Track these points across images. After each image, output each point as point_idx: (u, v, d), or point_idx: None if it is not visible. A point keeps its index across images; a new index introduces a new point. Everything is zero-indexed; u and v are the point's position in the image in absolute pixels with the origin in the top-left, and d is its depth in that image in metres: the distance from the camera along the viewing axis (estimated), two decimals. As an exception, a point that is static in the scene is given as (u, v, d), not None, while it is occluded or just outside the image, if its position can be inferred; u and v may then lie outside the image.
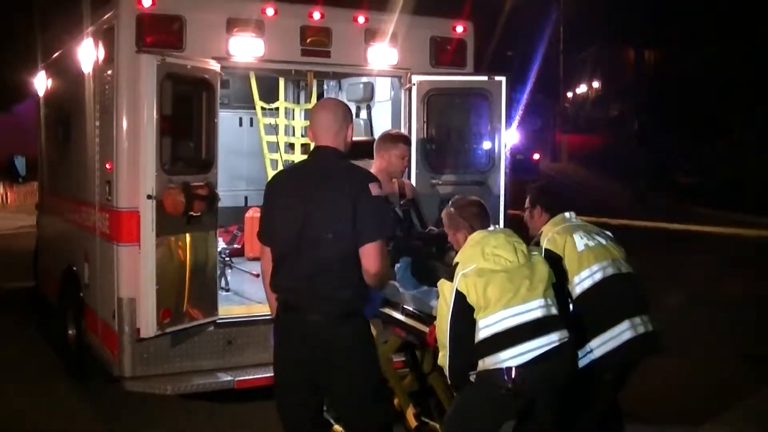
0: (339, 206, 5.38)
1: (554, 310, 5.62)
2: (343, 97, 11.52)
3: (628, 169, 39.84)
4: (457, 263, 5.72)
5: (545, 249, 6.14)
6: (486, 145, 9.28)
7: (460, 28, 9.44)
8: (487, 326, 5.50)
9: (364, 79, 10.66)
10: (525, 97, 39.66)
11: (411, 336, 6.84)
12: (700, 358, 10.85)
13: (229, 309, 8.60)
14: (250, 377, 8.08)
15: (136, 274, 7.78)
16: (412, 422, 7.18)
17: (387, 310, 6.96)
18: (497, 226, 6.12)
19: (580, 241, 6.12)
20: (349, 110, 5.87)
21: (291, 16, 8.61)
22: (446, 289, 5.69)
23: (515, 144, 44.97)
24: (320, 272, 5.40)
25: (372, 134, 10.84)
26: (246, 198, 12.41)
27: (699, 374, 10.21)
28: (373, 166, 7.96)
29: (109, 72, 8.29)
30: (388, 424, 5.80)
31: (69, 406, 9.12)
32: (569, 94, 64.18)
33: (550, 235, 6.24)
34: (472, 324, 5.56)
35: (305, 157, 6.59)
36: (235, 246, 11.11)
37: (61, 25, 11.23)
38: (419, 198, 8.19)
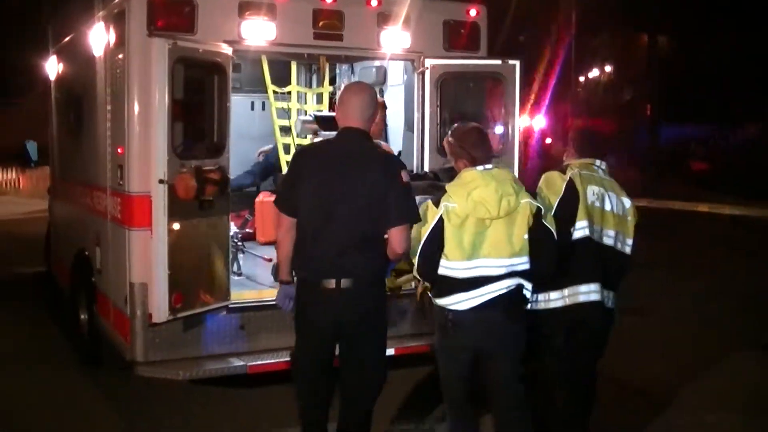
0: (374, 189, 5.87)
1: (515, 267, 6.00)
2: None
3: (639, 155, 39.68)
4: (446, 192, 6.08)
5: (570, 178, 6.37)
6: (499, 129, 9.22)
7: (473, 12, 9.36)
8: (445, 267, 6.00)
9: (377, 63, 10.61)
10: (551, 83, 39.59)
11: None
12: (714, 347, 10.82)
13: (241, 294, 8.54)
14: (263, 362, 8.06)
15: (148, 258, 7.75)
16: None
17: None
18: (495, 166, 6.18)
19: (590, 196, 6.37)
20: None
21: (303, -1, 8.57)
22: (430, 213, 6.06)
23: (542, 128, 44.84)
24: (352, 245, 5.89)
25: (384, 118, 10.78)
26: None
27: (712, 363, 10.17)
28: None
29: (120, 56, 8.23)
30: (383, 379, 6.36)
31: (81, 391, 9.15)
32: (581, 79, 63.88)
33: (576, 171, 6.44)
34: (442, 242, 6.01)
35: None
36: (247, 230, 11.06)
37: (72, 9, 11.17)
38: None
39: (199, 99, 8.17)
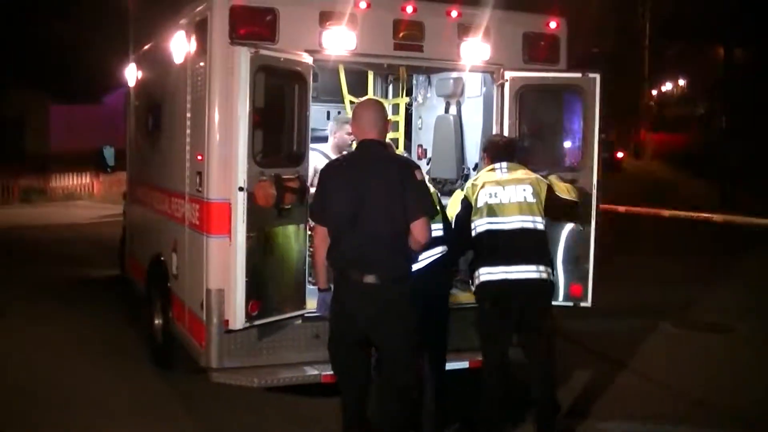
0: (391, 189, 6.41)
1: (435, 233, 7.23)
2: (432, 93, 11.45)
3: (714, 168, 39.10)
4: None
5: (464, 196, 7.82)
6: (578, 142, 9.09)
7: (553, 24, 9.26)
8: None
9: (454, 75, 10.53)
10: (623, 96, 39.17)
11: None
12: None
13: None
14: (337, 372, 8.04)
15: (226, 265, 7.78)
16: None
17: None
18: None
19: (483, 197, 7.69)
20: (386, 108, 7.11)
21: (384, 9, 8.52)
22: None
23: (613, 141, 44.47)
24: (375, 244, 6.39)
25: (461, 130, 10.73)
26: None
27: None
28: (329, 143, 9.76)
29: (202, 64, 8.30)
30: (414, 374, 6.80)
31: (154, 394, 9.27)
32: (654, 92, 63.30)
33: (470, 183, 7.91)
34: None
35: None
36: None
37: (153, 17, 11.31)
38: None
39: (279, 107, 8.16)
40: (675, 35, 52.18)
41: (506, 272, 7.52)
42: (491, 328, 7.72)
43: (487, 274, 7.58)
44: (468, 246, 7.91)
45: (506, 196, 7.67)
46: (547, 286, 7.72)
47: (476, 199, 7.71)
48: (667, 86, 66.30)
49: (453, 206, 7.94)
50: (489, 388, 7.67)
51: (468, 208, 7.77)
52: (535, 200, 7.67)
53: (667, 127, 56.67)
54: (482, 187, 7.74)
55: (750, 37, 43.26)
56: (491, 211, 7.65)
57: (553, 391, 7.85)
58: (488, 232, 7.65)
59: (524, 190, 7.69)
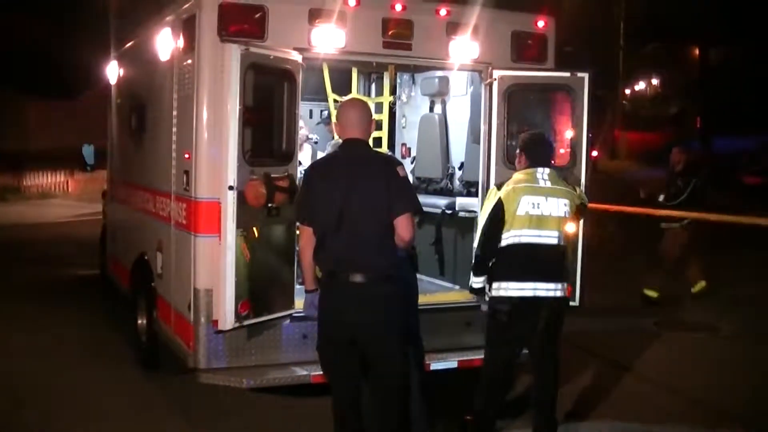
0: (375, 187, 6.36)
1: None
2: (416, 91, 11.42)
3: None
4: None
5: (501, 196, 7.27)
6: (567, 141, 9.08)
7: (541, 23, 9.23)
8: None
9: (439, 73, 10.52)
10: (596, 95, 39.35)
11: None
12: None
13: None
14: (326, 372, 7.99)
15: (215, 265, 7.74)
16: None
17: None
18: None
19: (524, 206, 7.22)
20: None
21: (373, 7, 8.47)
22: None
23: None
24: (362, 242, 6.33)
25: (447, 129, 10.70)
26: None
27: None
28: None
29: (189, 61, 8.23)
30: (407, 372, 6.84)
31: (141, 395, 9.18)
32: (627, 91, 63.39)
33: (510, 187, 7.31)
34: None
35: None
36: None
37: (137, 14, 11.22)
38: None
39: (268, 106, 8.10)
40: (650, 35, 52.34)
41: (535, 289, 7.26)
42: (503, 337, 7.48)
43: (516, 289, 7.28)
44: (492, 255, 7.44)
45: (548, 208, 7.29)
46: (565, 303, 7.53)
47: (516, 207, 7.25)
48: (641, 85, 66.46)
49: (489, 202, 7.47)
50: (489, 391, 7.56)
51: (499, 212, 7.29)
52: (567, 215, 7.39)
53: (640, 126, 56.76)
54: (523, 193, 7.28)
55: (725, 37, 43.49)
56: (532, 222, 7.26)
57: (554, 405, 7.63)
58: (525, 244, 7.27)
59: (564, 204, 7.35)
